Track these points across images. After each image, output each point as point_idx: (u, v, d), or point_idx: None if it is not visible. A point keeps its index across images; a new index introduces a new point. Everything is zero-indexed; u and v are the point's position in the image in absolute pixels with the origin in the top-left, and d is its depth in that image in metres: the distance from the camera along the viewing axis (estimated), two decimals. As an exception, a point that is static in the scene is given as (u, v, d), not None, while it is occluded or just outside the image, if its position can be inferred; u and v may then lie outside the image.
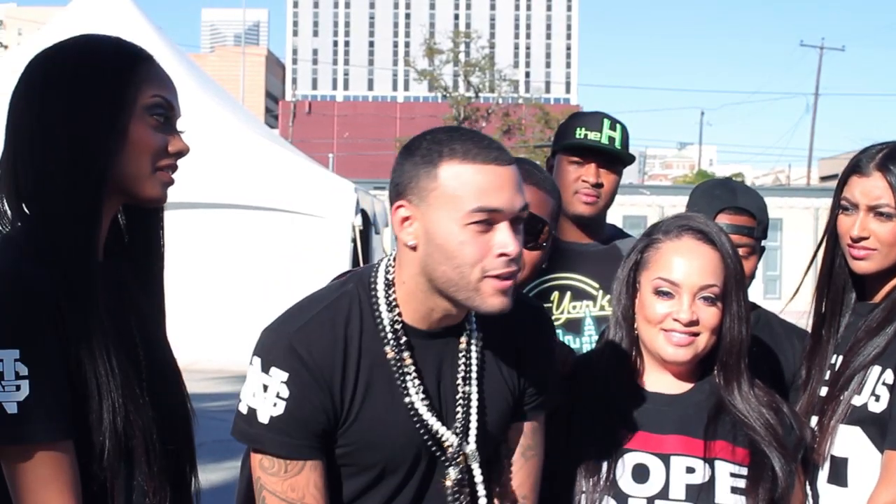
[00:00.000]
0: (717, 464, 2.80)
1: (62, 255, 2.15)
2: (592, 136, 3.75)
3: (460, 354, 2.48)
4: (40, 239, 2.17)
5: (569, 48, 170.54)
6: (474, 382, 2.48)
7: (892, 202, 3.04)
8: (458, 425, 2.46)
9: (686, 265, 2.83)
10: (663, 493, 2.77)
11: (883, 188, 3.05)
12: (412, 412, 2.43)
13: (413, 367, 2.43)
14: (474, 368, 2.49)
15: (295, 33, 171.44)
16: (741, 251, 3.34)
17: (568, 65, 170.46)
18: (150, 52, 2.36)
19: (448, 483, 2.45)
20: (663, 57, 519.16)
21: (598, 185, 3.76)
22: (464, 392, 2.47)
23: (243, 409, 2.42)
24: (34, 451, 2.07)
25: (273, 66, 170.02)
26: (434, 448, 2.45)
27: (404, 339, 2.44)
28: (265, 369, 2.39)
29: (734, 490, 2.77)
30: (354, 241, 17.78)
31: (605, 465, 2.77)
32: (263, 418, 2.39)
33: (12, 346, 2.05)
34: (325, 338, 2.41)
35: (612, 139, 3.76)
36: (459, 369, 2.47)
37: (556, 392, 2.71)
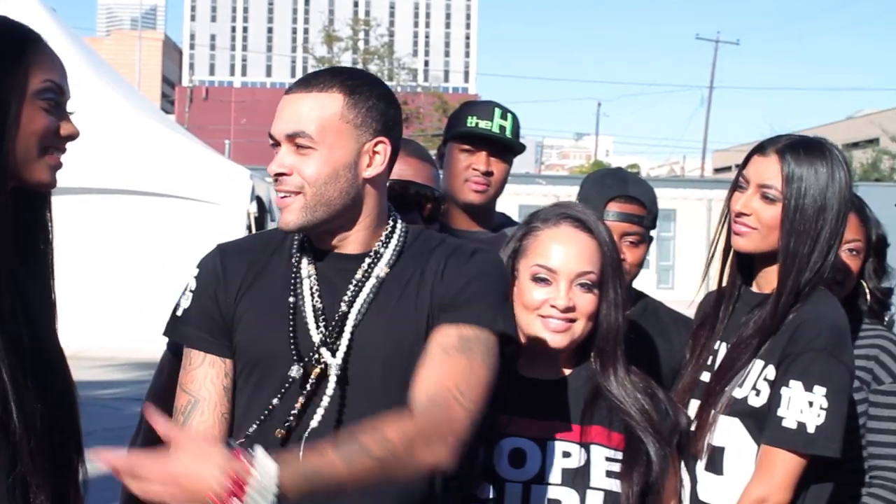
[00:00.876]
0: (593, 448, 2.85)
1: None
2: (483, 124, 3.80)
3: (354, 280, 2.56)
4: None
5: (468, 37, 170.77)
6: (357, 305, 2.54)
7: (779, 188, 3.09)
8: (329, 339, 2.52)
9: (563, 252, 2.88)
10: (539, 478, 2.82)
11: (775, 172, 3.11)
12: (292, 311, 2.55)
13: (315, 276, 2.59)
14: (364, 293, 2.55)
15: (192, 18, 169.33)
16: (631, 239, 3.42)
17: (467, 54, 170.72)
18: (38, 34, 2.35)
19: (291, 375, 2.50)
20: (562, 48, 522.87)
21: (489, 174, 3.81)
22: (341, 312, 2.53)
23: (174, 308, 2.68)
24: None
25: (170, 50, 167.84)
26: (293, 349, 2.52)
27: (311, 254, 2.61)
28: (193, 273, 2.66)
29: (609, 474, 2.82)
30: (249, 227, 17.67)
31: (481, 451, 2.80)
32: (179, 311, 2.66)
33: None
34: (243, 246, 2.71)
35: (502, 128, 3.81)
36: (348, 292, 2.55)
37: (482, 311, 2.52)
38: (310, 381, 2.49)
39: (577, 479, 2.81)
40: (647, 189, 3.59)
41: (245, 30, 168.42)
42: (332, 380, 2.49)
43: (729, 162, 66.92)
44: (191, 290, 2.64)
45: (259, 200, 18.77)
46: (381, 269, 2.57)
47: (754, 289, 3.28)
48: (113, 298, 16.37)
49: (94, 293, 15.80)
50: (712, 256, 3.44)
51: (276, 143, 2.54)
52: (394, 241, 2.62)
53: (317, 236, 2.59)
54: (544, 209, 3.03)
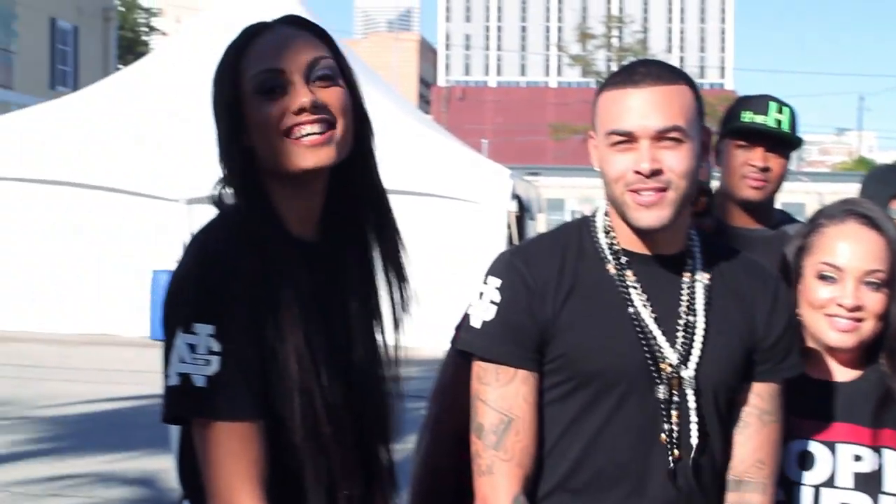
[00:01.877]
0: (886, 452, 2.77)
1: (255, 235, 2.20)
2: (759, 119, 3.74)
3: (684, 285, 2.51)
4: (239, 220, 2.23)
5: (723, 32, 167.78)
6: (700, 313, 2.49)
7: None
8: (680, 348, 2.46)
9: (850, 249, 2.79)
10: (830, 482, 2.76)
11: None
12: (635, 321, 2.45)
13: (636, 282, 2.49)
14: (700, 301, 2.50)
15: (447, 18, 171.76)
16: None
17: (722, 49, 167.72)
18: (258, 25, 2.33)
19: (659, 396, 2.43)
20: (821, 40, 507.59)
21: (766, 170, 3.75)
22: (688, 320, 2.48)
23: (466, 319, 2.54)
24: (218, 427, 2.11)
25: (425, 51, 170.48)
26: (650, 363, 2.44)
27: (624, 259, 2.51)
28: (484, 280, 2.51)
29: None
30: (509, 226, 17.81)
31: None
32: (476, 323, 2.48)
33: (208, 321, 2.11)
34: (542, 252, 2.53)
35: (779, 122, 3.74)
36: (683, 299, 2.49)
37: (795, 362, 2.64)
38: (674, 398, 2.44)
39: (870, 483, 2.74)
40: (934, 185, 3.48)
41: (499, 29, 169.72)
42: (690, 393, 2.45)
43: None
44: (492, 302, 2.47)
45: (518, 199, 18.90)
46: (701, 275, 2.53)
47: None
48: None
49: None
50: None
51: (627, 140, 2.41)
52: (697, 242, 2.58)
53: (638, 236, 2.50)
54: (830, 206, 2.96)
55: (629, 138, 2.40)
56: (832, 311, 2.79)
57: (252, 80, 2.24)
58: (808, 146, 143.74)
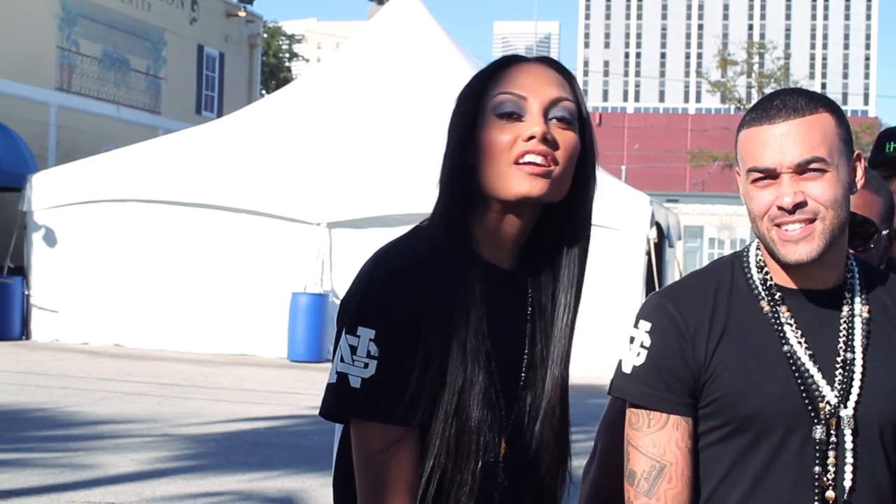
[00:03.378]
0: None
1: (439, 255, 2.23)
2: None
3: (842, 321, 2.43)
4: (429, 237, 2.27)
5: (867, 58, 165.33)
6: (858, 350, 2.41)
7: None
8: (838, 387, 2.39)
9: None
10: None
11: None
12: (791, 360, 2.39)
13: (792, 319, 2.42)
14: (858, 336, 2.42)
15: (586, 45, 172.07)
16: None
17: (866, 75, 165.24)
18: (514, 56, 2.38)
19: (816, 437, 2.36)
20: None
21: None
22: (845, 357, 2.40)
23: (617, 365, 2.49)
24: (371, 428, 2.17)
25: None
26: (808, 403, 2.38)
27: (778, 295, 2.45)
28: (635, 324, 2.46)
29: None
30: (649, 253, 17.71)
31: None
32: (627, 368, 2.44)
33: (371, 325, 2.17)
34: (693, 293, 2.47)
35: None
36: (841, 335, 2.42)
37: None
38: (831, 438, 2.37)
39: None
40: None
41: (638, 55, 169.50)
42: (848, 434, 2.37)
43: None
44: (643, 346, 2.43)
45: (658, 226, 18.78)
46: (860, 309, 2.45)
47: None
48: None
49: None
50: None
51: (767, 176, 2.37)
52: (857, 275, 2.50)
53: (791, 272, 2.44)
54: None
55: (769, 174, 2.36)
56: None
57: (493, 100, 2.29)
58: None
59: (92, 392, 13.54)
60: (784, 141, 2.35)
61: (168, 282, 18.55)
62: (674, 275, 26.29)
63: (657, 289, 18.33)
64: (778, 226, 2.35)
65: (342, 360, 2.20)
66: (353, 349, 2.18)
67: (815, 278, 2.43)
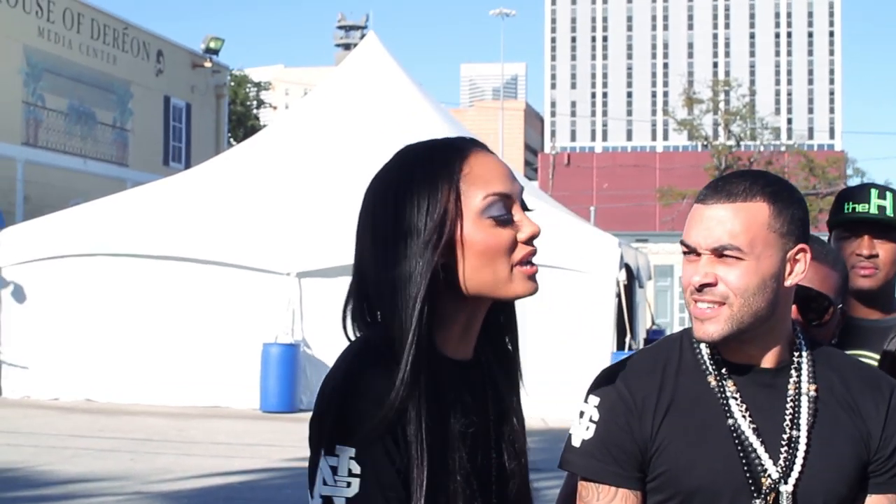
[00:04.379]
0: None
1: (405, 359, 2.17)
2: (860, 208, 3.73)
3: (788, 398, 2.48)
4: (388, 342, 2.21)
5: (832, 93, 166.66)
6: (804, 428, 2.45)
7: None
8: (782, 464, 2.43)
9: None
10: None
11: None
12: (735, 434, 2.43)
13: (738, 393, 2.46)
14: (804, 414, 2.47)
15: (553, 86, 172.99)
16: None
17: (832, 110, 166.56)
18: (468, 141, 2.31)
19: None
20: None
21: (873, 256, 3.73)
22: (791, 435, 2.45)
23: (567, 439, 2.53)
24: None
25: (531, 119, 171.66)
26: (749, 477, 2.42)
27: (724, 369, 2.49)
28: (585, 399, 2.51)
29: None
30: (619, 295, 17.76)
31: None
32: (576, 442, 2.49)
33: (350, 444, 2.13)
34: (642, 368, 2.52)
35: (881, 208, 3.72)
36: (787, 412, 2.46)
37: None
38: None
39: None
40: None
41: (605, 95, 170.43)
42: None
43: None
44: (591, 420, 2.49)
45: (627, 267, 18.83)
46: (807, 387, 2.49)
47: None
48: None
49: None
50: None
51: (692, 252, 2.45)
52: (805, 353, 2.54)
53: (732, 349, 2.49)
54: None
55: (693, 251, 2.45)
56: None
57: (481, 202, 2.21)
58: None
59: (63, 450, 13.42)
60: (709, 223, 2.42)
61: (139, 335, 18.46)
62: (645, 315, 26.35)
63: (628, 331, 18.44)
64: (695, 301, 2.43)
65: (325, 483, 2.15)
66: (335, 470, 2.14)
67: (752, 357, 2.50)
